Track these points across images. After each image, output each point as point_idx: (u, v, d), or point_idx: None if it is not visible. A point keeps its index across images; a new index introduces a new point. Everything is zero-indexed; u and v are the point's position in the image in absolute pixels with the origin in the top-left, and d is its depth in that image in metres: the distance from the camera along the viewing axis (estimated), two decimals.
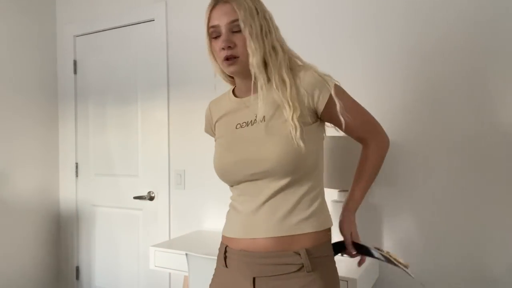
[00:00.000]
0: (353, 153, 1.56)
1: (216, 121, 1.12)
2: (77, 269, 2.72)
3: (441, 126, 1.60)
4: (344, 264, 1.51)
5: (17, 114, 2.55)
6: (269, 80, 0.99)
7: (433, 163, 1.61)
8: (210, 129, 1.17)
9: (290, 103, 0.94)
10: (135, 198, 2.39)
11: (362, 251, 1.07)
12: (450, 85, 1.58)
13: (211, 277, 1.14)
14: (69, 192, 2.75)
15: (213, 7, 0.99)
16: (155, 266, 1.77)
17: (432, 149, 1.61)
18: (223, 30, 0.97)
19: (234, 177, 1.02)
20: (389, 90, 1.69)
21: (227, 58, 0.97)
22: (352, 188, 1.11)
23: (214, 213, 2.15)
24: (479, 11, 1.54)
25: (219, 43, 0.98)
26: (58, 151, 2.81)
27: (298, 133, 0.92)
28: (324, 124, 1.06)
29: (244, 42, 0.96)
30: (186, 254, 1.54)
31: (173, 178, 2.28)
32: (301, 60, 1.04)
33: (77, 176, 2.73)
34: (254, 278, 0.96)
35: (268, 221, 0.96)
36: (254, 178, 0.98)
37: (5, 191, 2.48)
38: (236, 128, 1.03)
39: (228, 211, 1.10)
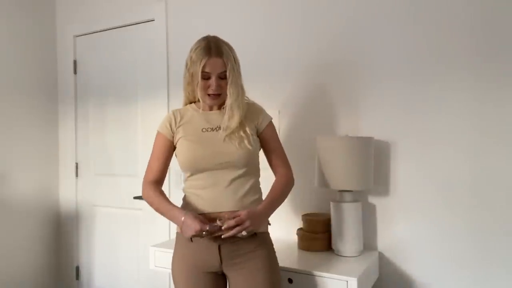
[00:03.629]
0: (353, 154, 1.56)
1: (180, 125, 1.39)
2: (77, 269, 2.72)
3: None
4: (344, 264, 1.51)
5: (17, 114, 2.55)
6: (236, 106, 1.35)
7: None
8: (170, 130, 1.40)
9: (247, 123, 1.37)
10: (135, 198, 2.39)
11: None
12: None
13: None
14: (69, 192, 2.75)
15: (208, 59, 1.28)
16: (155, 266, 1.77)
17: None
18: (214, 77, 1.30)
19: (203, 166, 1.32)
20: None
21: (214, 95, 1.33)
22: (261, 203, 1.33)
23: None
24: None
25: (208, 83, 1.31)
26: (58, 151, 2.81)
27: (249, 139, 1.33)
28: (259, 141, 1.41)
29: (226, 85, 1.32)
30: None
31: (173, 178, 2.28)
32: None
33: (77, 176, 2.73)
34: (219, 245, 1.27)
35: (232, 199, 1.31)
36: (220, 167, 1.32)
37: (5, 191, 2.48)
38: (202, 131, 1.36)
39: (188, 198, 1.36)
